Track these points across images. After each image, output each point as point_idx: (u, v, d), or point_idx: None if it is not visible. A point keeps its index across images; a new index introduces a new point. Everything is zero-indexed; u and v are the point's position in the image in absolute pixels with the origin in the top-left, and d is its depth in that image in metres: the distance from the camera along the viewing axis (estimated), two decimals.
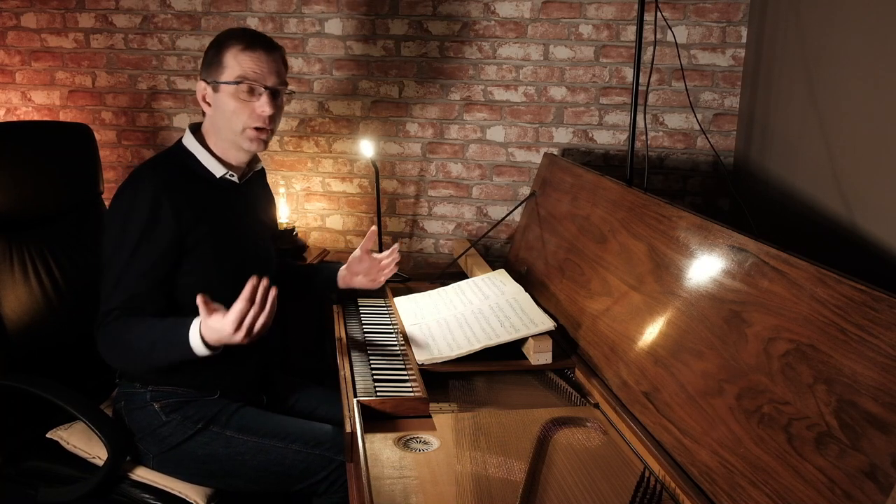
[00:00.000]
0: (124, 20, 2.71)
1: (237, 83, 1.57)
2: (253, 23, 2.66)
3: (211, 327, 1.38)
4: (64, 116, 2.80)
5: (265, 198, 1.89)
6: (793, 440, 1.00)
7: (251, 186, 1.77)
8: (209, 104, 1.62)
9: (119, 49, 2.74)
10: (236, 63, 1.58)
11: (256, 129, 1.61)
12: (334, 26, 2.64)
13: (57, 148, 1.92)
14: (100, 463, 1.64)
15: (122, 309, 1.51)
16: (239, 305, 1.34)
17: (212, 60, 1.60)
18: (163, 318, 1.52)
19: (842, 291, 1.00)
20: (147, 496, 1.61)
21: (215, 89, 1.60)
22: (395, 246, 1.95)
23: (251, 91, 1.59)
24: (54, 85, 2.79)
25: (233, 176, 1.67)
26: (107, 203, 2.80)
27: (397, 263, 1.94)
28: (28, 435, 1.74)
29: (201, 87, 1.62)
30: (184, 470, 1.62)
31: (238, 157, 1.68)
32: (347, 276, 1.94)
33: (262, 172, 1.87)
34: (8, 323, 1.72)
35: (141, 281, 1.53)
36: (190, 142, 1.66)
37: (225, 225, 1.66)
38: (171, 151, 1.68)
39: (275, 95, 1.62)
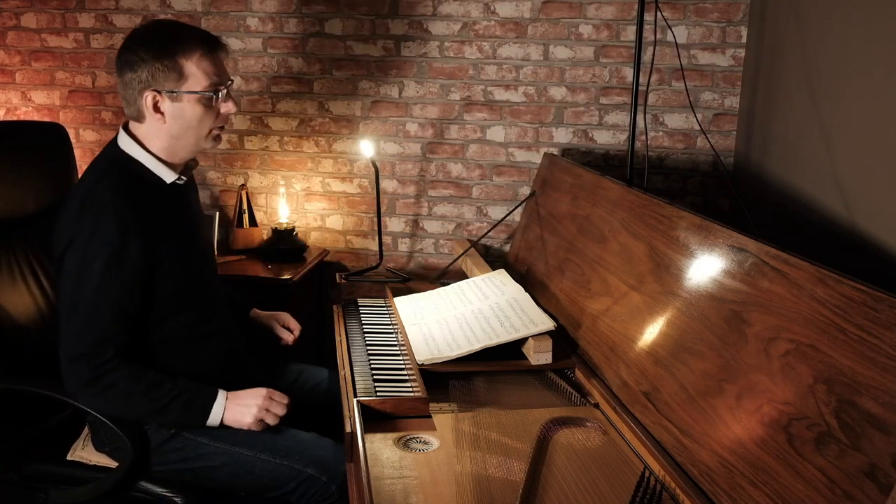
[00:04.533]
0: (124, 20, 2.71)
1: (209, 93, 1.54)
2: (253, 23, 2.66)
3: (241, 394, 1.59)
4: (64, 116, 2.80)
5: (195, 189, 1.84)
6: (793, 440, 1.00)
7: (189, 183, 1.73)
8: (161, 113, 1.54)
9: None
10: (200, 71, 1.52)
11: (219, 128, 1.61)
12: (334, 26, 2.64)
13: (33, 148, 1.91)
14: (103, 463, 1.64)
15: (111, 348, 1.49)
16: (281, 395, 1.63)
17: (164, 68, 1.51)
18: (173, 377, 1.55)
19: (842, 291, 1.00)
20: (161, 490, 1.60)
21: (174, 98, 1.53)
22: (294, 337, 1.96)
23: (217, 95, 1.56)
24: (54, 85, 2.79)
25: (181, 180, 1.63)
26: None
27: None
28: (29, 437, 1.73)
29: (151, 98, 1.52)
30: (160, 475, 1.61)
31: (186, 158, 1.64)
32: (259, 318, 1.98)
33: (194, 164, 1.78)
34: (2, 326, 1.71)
35: (120, 313, 1.49)
36: (132, 148, 1.58)
37: (182, 230, 1.64)
38: (113, 161, 1.58)
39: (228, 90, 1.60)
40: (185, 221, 1.66)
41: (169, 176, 1.60)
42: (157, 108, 1.53)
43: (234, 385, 1.64)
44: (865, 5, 1.74)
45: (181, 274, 1.60)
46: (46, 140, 1.95)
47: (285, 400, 1.63)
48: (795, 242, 1.75)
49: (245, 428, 1.58)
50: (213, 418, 1.56)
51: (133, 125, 1.60)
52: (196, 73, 1.52)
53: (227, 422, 1.57)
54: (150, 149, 1.58)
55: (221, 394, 1.58)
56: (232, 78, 1.63)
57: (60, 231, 1.53)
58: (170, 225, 1.60)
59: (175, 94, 1.52)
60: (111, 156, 1.59)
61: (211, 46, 1.55)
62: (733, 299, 1.21)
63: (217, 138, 1.62)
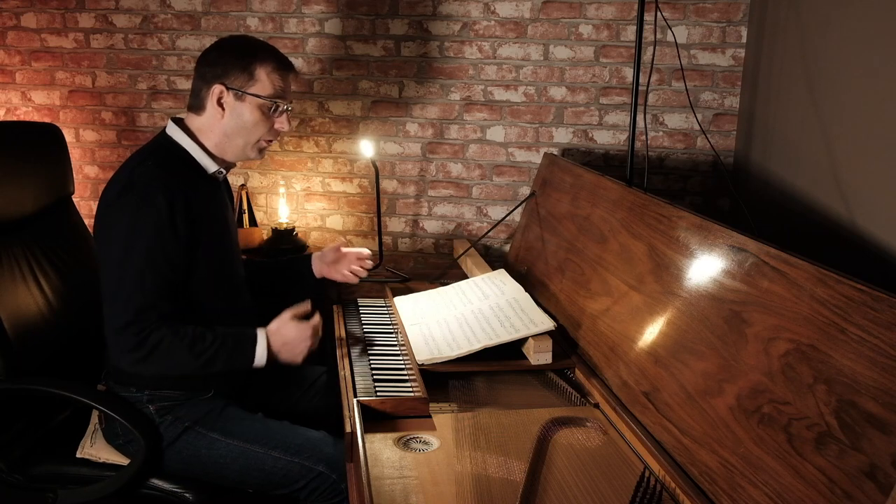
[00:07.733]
0: (124, 20, 2.71)
1: (271, 100, 1.64)
2: (253, 23, 2.66)
3: (285, 335, 1.60)
4: (64, 116, 2.80)
5: (230, 192, 1.91)
6: (793, 440, 1.00)
7: (224, 182, 1.81)
8: (223, 108, 1.62)
9: (119, 49, 2.74)
10: (268, 80, 1.63)
11: (268, 141, 1.70)
12: (334, 26, 2.64)
13: (28, 149, 1.90)
14: (112, 460, 1.64)
15: (155, 315, 1.52)
16: (318, 318, 1.63)
17: (238, 69, 1.61)
18: (212, 328, 1.58)
19: (842, 291, 1.00)
20: (172, 486, 1.61)
21: (239, 98, 1.62)
22: (367, 252, 1.98)
23: (275, 109, 1.66)
24: (54, 85, 2.79)
25: (221, 173, 1.71)
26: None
27: (367, 269, 1.99)
28: (32, 438, 1.73)
29: (218, 90, 1.61)
30: (171, 471, 1.62)
31: (232, 159, 1.71)
32: (323, 267, 1.97)
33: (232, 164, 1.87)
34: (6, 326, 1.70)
35: (164, 283, 1.54)
36: (179, 136, 1.65)
37: (218, 221, 1.71)
38: (160, 145, 1.66)
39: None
40: (220, 215, 1.73)
41: (211, 166, 1.68)
42: (219, 103, 1.62)
43: (245, 381, 1.69)
44: (865, 5, 1.74)
45: (215, 261, 1.66)
46: (41, 140, 1.95)
47: (319, 324, 1.65)
48: (795, 242, 1.75)
49: (297, 354, 1.61)
50: (259, 359, 1.59)
51: (189, 117, 1.68)
52: (265, 80, 1.63)
53: (276, 353, 1.60)
54: (202, 141, 1.66)
55: (261, 332, 1.61)
56: (293, 103, 1.71)
57: (105, 206, 1.59)
58: (209, 211, 1.66)
59: (240, 94, 1.62)
60: (157, 141, 1.68)
61: (285, 65, 1.67)
62: (733, 299, 1.21)
63: (263, 151, 1.72)
